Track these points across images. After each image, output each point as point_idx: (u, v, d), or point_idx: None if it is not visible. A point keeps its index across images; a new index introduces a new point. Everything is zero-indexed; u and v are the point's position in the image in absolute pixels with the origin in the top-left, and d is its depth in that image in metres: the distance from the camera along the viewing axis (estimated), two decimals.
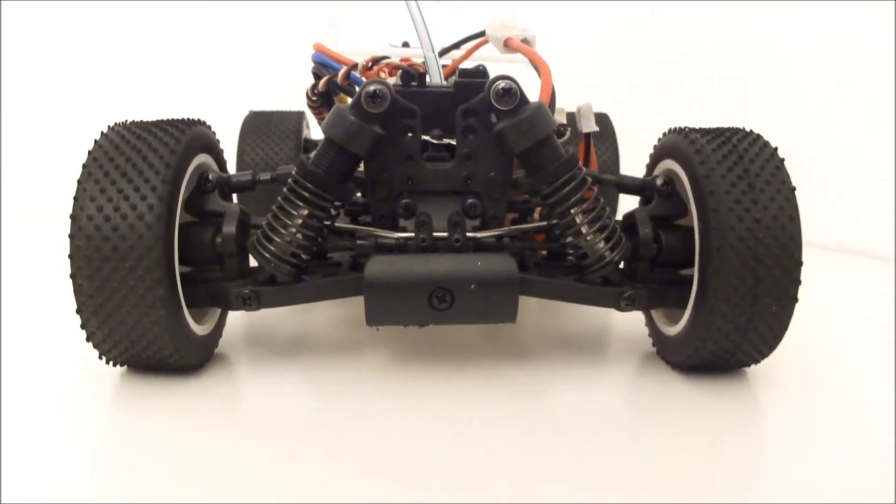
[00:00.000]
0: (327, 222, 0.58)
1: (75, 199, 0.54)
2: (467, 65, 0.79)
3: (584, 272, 0.59)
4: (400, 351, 0.67)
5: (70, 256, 0.53)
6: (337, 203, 0.58)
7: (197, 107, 1.42)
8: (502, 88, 0.55)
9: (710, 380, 0.60)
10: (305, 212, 0.57)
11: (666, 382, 0.60)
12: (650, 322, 0.67)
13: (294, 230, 0.57)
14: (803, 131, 1.18)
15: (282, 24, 1.42)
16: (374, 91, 0.55)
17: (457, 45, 0.93)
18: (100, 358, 0.58)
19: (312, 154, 0.58)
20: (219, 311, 0.64)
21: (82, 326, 0.55)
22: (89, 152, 0.56)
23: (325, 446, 0.50)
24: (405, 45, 1.11)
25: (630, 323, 0.72)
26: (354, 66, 0.70)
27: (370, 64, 0.71)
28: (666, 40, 1.45)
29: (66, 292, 0.56)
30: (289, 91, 1.30)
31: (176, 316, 0.55)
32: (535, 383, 0.60)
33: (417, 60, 0.77)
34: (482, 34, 0.85)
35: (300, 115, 1.02)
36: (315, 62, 0.75)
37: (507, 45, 0.78)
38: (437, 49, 0.88)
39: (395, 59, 0.72)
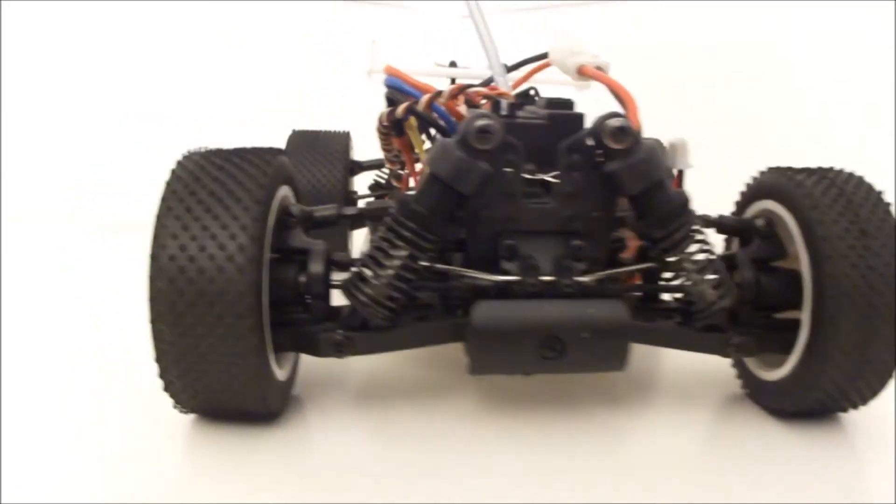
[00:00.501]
0: (426, 264, 0.54)
1: (155, 237, 0.49)
2: None
3: (690, 317, 0.57)
4: (479, 392, 0.63)
5: (150, 300, 0.49)
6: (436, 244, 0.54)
7: (233, 125, 1.41)
8: (617, 127, 0.52)
9: (804, 424, 0.58)
10: (405, 253, 0.53)
11: (756, 426, 0.58)
12: (740, 365, 0.64)
13: (392, 272, 0.53)
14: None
15: (319, 42, 1.38)
16: (484, 127, 0.51)
17: (515, 67, 0.90)
18: (175, 406, 0.54)
19: (414, 191, 0.55)
20: (295, 353, 0.60)
21: (161, 375, 0.51)
22: (167, 184, 0.51)
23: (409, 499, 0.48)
24: (452, 64, 1.08)
25: (708, 363, 0.68)
26: (438, 94, 0.66)
27: (454, 93, 0.66)
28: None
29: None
30: (325, 109, 1.29)
31: (265, 364, 0.51)
32: (623, 427, 0.58)
33: (491, 87, 0.73)
34: (543, 56, 0.81)
35: (347, 135, 0.98)
36: (389, 87, 0.72)
37: (582, 73, 0.74)
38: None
39: (481, 88, 0.68)
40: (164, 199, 0.50)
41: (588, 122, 0.59)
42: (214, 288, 0.48)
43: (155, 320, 0.49)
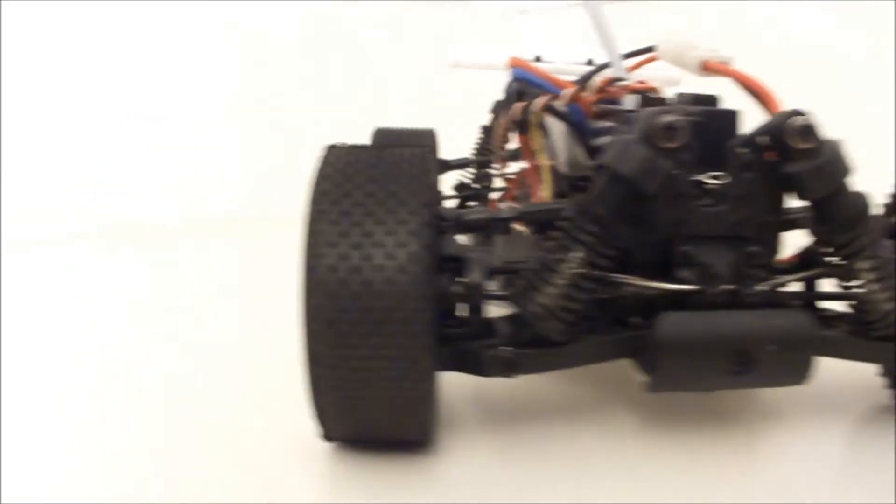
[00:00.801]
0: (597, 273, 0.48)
1: (309, 245, 0.42)
2: None
3: (866, 327, 0.52)
4: (629, 409, 0.57)
5: (305, 318, 0.42)
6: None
7: (313, 125, 1.34)
8: (804, 125, 0.48)
9: None
10: (582, 257, 0.47)
11: None
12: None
13: (567, 280, 0.47)
14: None
15: (386, 40, 1.32)
16: (672, 123, 0.46)
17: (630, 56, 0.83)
18: (324, 436, 0.47)
19: (591, 191, 0.49)
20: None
21: (312, 402, 0.44)
22: (316, 183, 0.45)
23: None
24: (537, 59, 1.01)
25: (854, 371, 0.61)
26: (583, 88, 0.60)
27: (603, 86, 0.60)
28: None
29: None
30: (397, 107, 1.23)
31: (434, 388, 0.45)
32: (785, 443, 0.54)
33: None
34: (649, 50, 0.76)
35: (432, 133, 0.91)
36: (517, 80, 0.65)
37: (708, 68, 0.68)
38: (595, 65, 0.79)
39: (630, 82, 0.61)
40: (316, 202, 0.44)
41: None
42: (384, 304, 0.42)
43: (311, 341, 0.42)
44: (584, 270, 0.47)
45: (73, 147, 1.31)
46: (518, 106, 0.65)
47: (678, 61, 0.69)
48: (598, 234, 0.47)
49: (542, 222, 0.55)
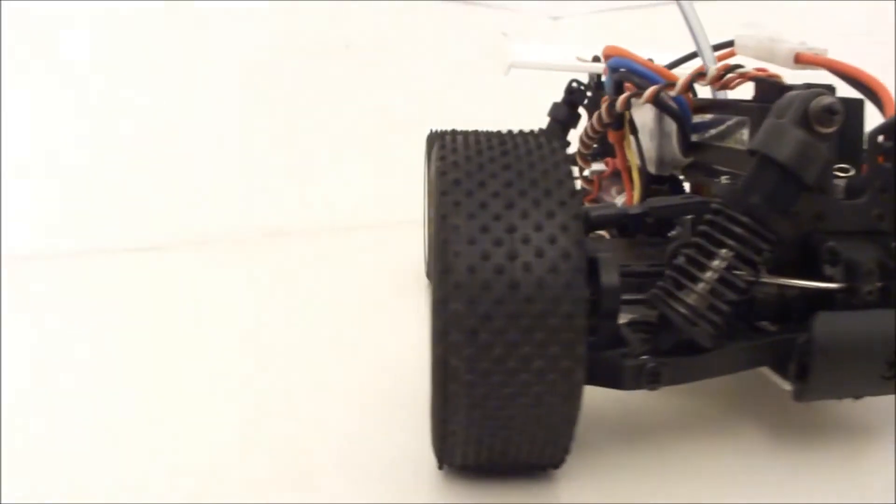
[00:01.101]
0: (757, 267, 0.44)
1: (443, 241, 0.36)
2: None
3: None
4: (752, 421, 0.52)
5: (440, 326, 0.36)
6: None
7: (365, 128, 1.29)
8: None
9: None
10: (733, 253, 0.42)
11: None
12: None
13: (716, 277, 0.42)
14: None
15: (428, 42, 1.27)
16: (831, 106, 0.42)
17: (689, 58, 0.79)
18: (440, 463, 0.41)
19: (741, 180, 0.44)
20: None
21: (440, 423, 0.38)
22: (441, 173, 0.39)
23: None
24: (596, 59, 0.96)
25: None
26: (700, 75, 0.55)
27: (721, 74, 0.55)
28: None
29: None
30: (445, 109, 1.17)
31: (580, 404, 0.39)
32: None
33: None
34: (728, 45, 0.71)
35: None
36: (617, 69, 0.60)
37: (803, 60, 0.63)
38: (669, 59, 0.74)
39: (750, 70, 0.56)
40: (447, 192, 0.38)
41: None
42: (534, 309, 0.36)
43: (447, 354, 0.36)
44: (733, 265, 0.42)
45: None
46: (622, 98, 0.59)
47: (763, 54, 0.64)
48: (750, 226, 0.42)
49: (668, 219, 0.50)
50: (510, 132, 0.43)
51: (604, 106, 0.62)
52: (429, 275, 0.89)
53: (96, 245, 1.07)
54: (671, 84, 0.56)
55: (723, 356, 0.44)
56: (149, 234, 1.12)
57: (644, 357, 0.43)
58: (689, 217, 0.47)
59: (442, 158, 0.40)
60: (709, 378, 0.45)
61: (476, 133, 0.42)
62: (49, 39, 1.06)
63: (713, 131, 0.60)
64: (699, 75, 0.56)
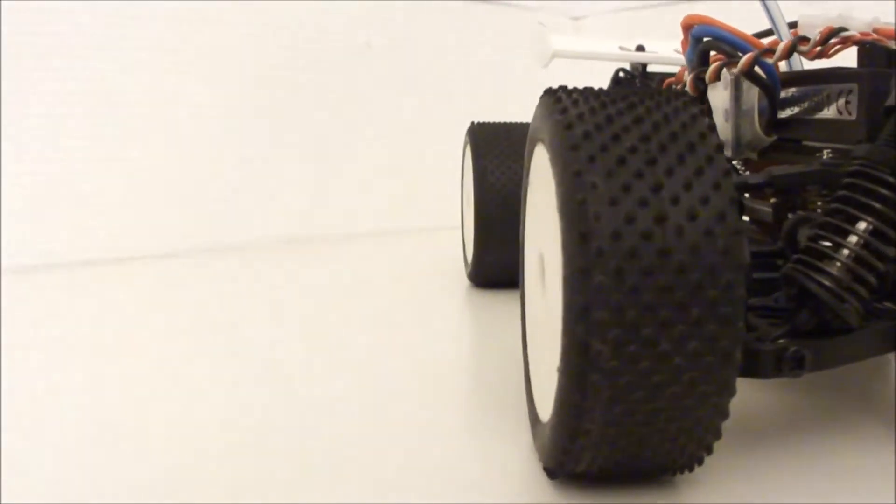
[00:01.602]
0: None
1: (578, 203, 0.31)
2: None
3: None
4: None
5: (582, 301, 0.30)
6: None
7: (402, 122, 1.24)
8: None
9: None
10: (880, 217, 0.37)
11: None
12: None
13: (862, 244, 0.37)
14: None
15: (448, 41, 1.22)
16: None
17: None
18: (553, 472, 0.36)
19: (881, 139, 0.40)
20: None
21: (568, 421, 0.32)
22: (566, 126, 0.33)
23: None
24: (640, 48, 0.92)
25: None
26: (803, 39, 0.50)
27: (825, 38, 0.50)
28: None
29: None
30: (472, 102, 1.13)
31: (734, 394, 0.33)
32: None
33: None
34: (792, 26, 0.66)
35: None
36: (700, 38, 0.55)
37: (882, 33, 0.59)
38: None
39: (856, 33, 0.51)
40: (576, 146, 0.32)
41: None
42: (688, 280, 0.30)
43: (587, 335, 0.30)
44: (880, 230, 0.37)
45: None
46: (712, 68, 0.54)
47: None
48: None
49: (790, 189, 0.45)
50: (630, 90, 0.38)
51: (689, 80, 0.57)
52: (471, 276, 0.84)
53: (134, 252, 1.02)
54: (770, 50, 0.51)
55: (868, 337, 0.39)
56: (182, 241, 1.07)
57: (782, 341, 0.37)
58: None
59: (563, 111, 0.34)
60: (854, 362, 0.40)
61: (592, 89, 0.37)
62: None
63: (804, 105, 0.55)
64: (801, 39, 0.50)
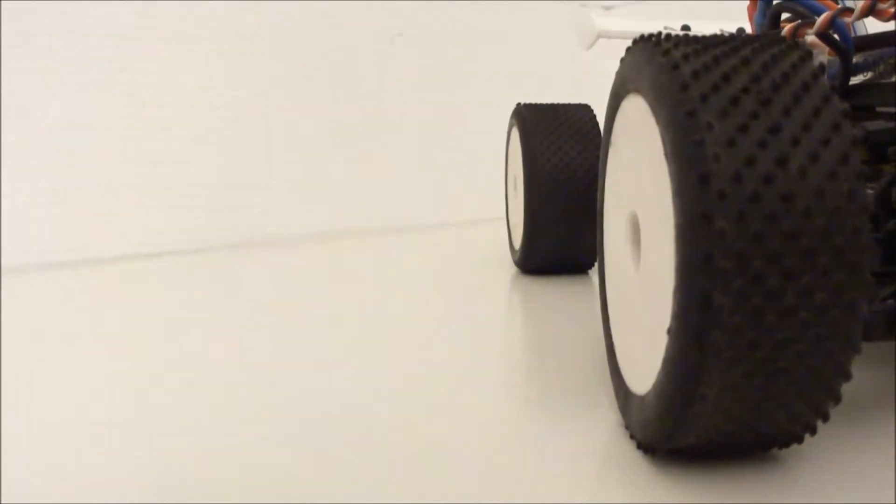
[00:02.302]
0: None
1: (697, 142, 0.29)
2: None
3: None
4: None
5: (704, 249, 0.28)
6: None
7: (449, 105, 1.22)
8: None
9: None
10: None
11: None
12: None
13: None
14: None
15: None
16: None
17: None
18: (653, 448, 0.34)
19: None
20: None
21: (692, 384, 0.30)
22: (672, 67, 0.31)
23: None
24: (685, 28, 0.89)
25: None
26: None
27: None
28: None
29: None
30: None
31: (859, 351, 0.31)
32: None
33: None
34: None
35: (589, 108, 0.79)
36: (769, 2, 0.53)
37: None
38: None
39: None
40: (687, 86, 0.30)
41: None
42: (814, 225, 0.28)
43: (709, 287, 0.28)
44: None
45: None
46: (787, 29, 0.52)
47: None
48: None
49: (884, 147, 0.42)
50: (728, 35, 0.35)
51: None
52: (518, 263, 0.81)
53: (151, 247, 1.00)
54: (849, 9, 0.49)
55: None
56: (208, 236, 1.06)
57: (891, 301, 0.35)
58: None
59: (666, 53, 0.32)
60: None
61: (689, 35, 0.35)
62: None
63: (877, 69, 0.53)
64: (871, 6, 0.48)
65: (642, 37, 0.35)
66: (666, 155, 0.31)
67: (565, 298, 0.72)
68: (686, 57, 0.31)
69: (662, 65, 0.31)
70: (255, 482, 0.36)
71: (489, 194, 1.04)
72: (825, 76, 0.31)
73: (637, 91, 0.35)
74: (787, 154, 0.28)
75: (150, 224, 1.03)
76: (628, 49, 0.37)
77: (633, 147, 0.37)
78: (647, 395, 0.34)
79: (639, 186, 0.36)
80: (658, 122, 0.32)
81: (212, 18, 1.07)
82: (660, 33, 0.35)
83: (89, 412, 0.46)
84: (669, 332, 0.30)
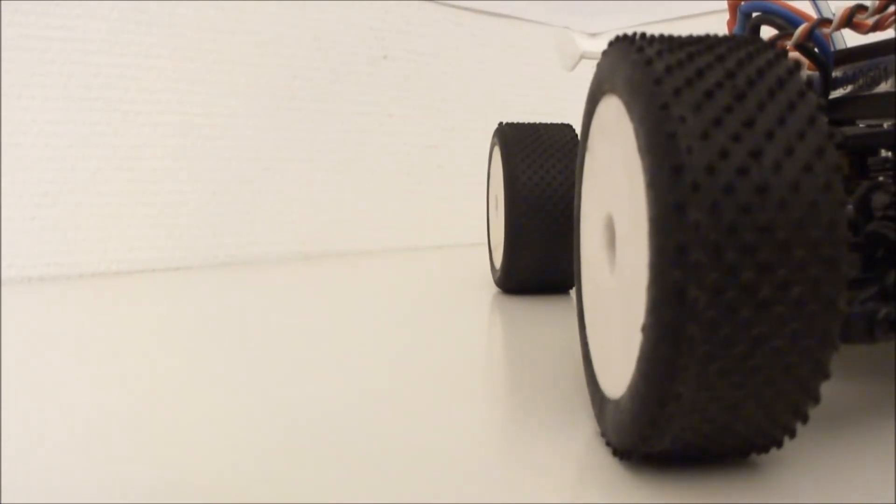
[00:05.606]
0: None
1: (670, 134, 0.28)
2: None
3: None
4: None
5: (678, 241, 0.28)
6: None
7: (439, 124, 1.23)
8: None
9: None
10: None
11: None
12: None
13: None
14: None
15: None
16: None
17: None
18: (629, 452, 0.34)
19: None
20: None
21: (665, 383, 0.29)
22: (646, 63, 0.31)
23: None
24: None
25: None
26: (862, 8, 0.48)
27: (885, 5, 0.48)
28: None
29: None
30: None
31: (837, 348, 0.31)
32: None
33: None
34: None
35: (570, 128, 0.79)
36: (749, 13, 0.53)
37: None
38: None
39: None
40: (660, 80, 0.30)
41: None
42: (790, 217, 0.28)
43: (683, 279, 0.28)
44: None
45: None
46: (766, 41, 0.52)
47: None
48: None
49: (865, 152, 0.42)
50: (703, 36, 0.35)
51: None
52: (499, 283, 0.81)
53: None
54: (827, 20, 0.49)
55: None
56: (193, 255, 1.04)
57: (871, 303, 0.35)
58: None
59: (640, 50, 0.32)
60: None
61: (664, 35, 0.35)
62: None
63: (857, 83, 0.53)
64: (860, 8, 0.48)
65: (618, 38, 0.35)
66: (639, 149, 0.30)
67: (546, 316, 0.71)
68: (660, 53, 0.31)
69: (636, 62, 0.31)
70: (235, 489, 0.35)
71: (472, 218, 1.04)
72: (800, 73, 0.31)
73: (612, 91, 0.35)
74: (762, 147, 0.28)
75: (130, 242, 1.02)
76: (604, 51, 0.37)
77: (608, 148, 0.36)
78: (622, 398, 0.33)
79: (613, 186, 0.35)
80: (632, 118, 0.31)
81: (199, 39, 1.07)
82: (635, 33, 0.35)
83: (85, 419, 0.45)
84: (644, 329, 0.30)
